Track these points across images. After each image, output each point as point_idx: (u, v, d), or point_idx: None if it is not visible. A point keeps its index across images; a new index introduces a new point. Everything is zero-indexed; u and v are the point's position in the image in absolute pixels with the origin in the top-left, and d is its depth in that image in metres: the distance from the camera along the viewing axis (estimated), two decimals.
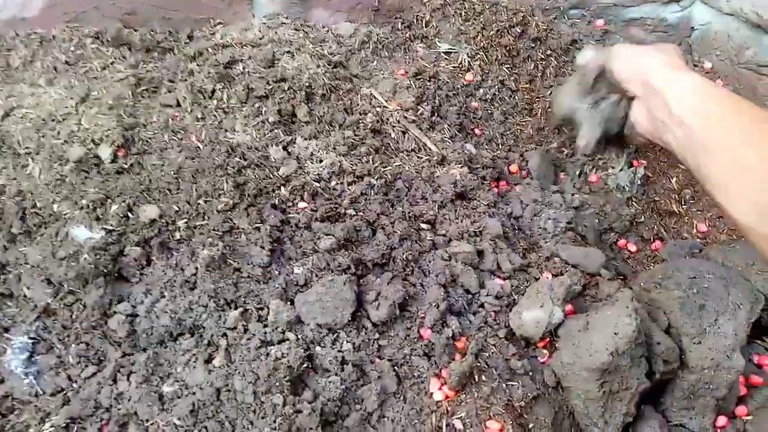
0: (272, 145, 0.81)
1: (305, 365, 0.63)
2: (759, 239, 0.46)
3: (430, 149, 0.88)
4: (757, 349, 0.75)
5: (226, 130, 0.83)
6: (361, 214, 0.78)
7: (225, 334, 0.65)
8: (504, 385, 0.65)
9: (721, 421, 0.67)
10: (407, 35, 0.99)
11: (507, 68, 0.97)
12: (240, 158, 0.79)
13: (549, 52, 0.98)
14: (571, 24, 1.04)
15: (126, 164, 0.76)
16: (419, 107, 0.91)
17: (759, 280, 0.75)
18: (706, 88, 0.52)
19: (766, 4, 0.91)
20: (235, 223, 0.74)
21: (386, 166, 0.84)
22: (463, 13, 0.99)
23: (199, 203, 0.75)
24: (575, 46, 1.02)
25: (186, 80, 0.88)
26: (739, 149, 0.47)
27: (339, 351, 0.65)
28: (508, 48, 0.97)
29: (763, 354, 0.74)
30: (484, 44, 0.97)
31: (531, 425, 0.63)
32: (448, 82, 0.94)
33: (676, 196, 0.93)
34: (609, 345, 0.62)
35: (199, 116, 0.84)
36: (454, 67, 0.96)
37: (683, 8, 1.09)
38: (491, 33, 0.97)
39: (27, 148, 0.76)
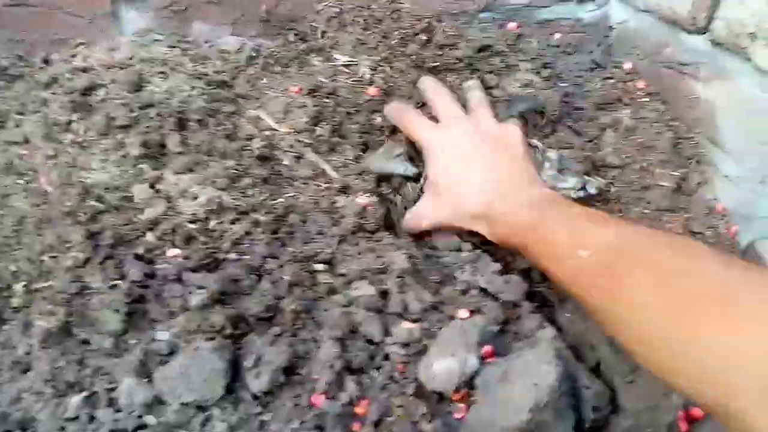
0: (135, 183, 0.69)
1: None
2: None
3: (329, 176, 0.78)
4: None
5: (81, 169, 0.70)
6: (247, 257, 0.67)
7: (63, 428, 0.53)
8: None
9: None
10: (301, 48, 0.89)
11: (414, 80, 0.88)
12: (96, 201, 0.66)
13: (457, 60, 0.89)
14: (482, 29, 0.96)
15: None
16: (316, 128, 0.80)
17: None
18: None
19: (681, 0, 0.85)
20: (86, 282, 0.62)
21: (276, 199, 0.73)
22: (362, 21, 0.89)
23: (42, 260, 0.62)
24: (489, 50, 0.93)
25: (39, 111, 0.75)
26: None
27: None
28: (413, 57, 0.88)
29: None
30: (386, 54, 0.87)
31: None
32: (348, 97, 0.84)
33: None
34: (528, 399, 0.53)
35: (51, 154, 0.71)
36: (354, 81, 0.86)
37: (599, 6, 1.04)
38: (394, 42, 0.88)
39: None
